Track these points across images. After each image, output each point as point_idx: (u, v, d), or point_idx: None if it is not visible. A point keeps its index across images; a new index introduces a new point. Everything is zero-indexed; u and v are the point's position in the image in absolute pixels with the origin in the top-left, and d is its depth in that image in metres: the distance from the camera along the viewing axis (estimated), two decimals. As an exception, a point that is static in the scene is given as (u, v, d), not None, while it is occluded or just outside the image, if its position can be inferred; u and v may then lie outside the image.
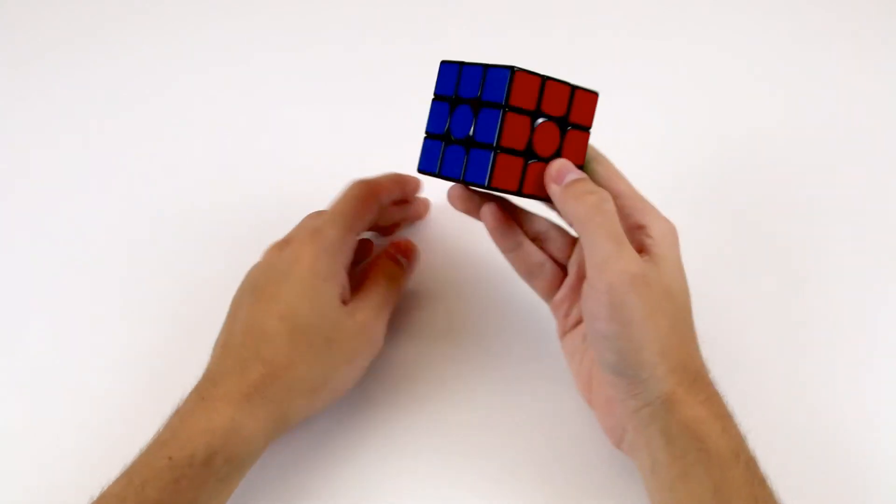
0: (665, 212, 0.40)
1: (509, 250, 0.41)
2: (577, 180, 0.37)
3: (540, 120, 0.38)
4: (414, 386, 0.45)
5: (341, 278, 0.40)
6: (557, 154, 0.39)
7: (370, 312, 0.41)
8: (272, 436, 0.38)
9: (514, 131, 0.37)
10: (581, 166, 0.40)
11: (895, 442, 0.43)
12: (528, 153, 0.38)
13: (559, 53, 0.65)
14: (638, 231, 0.38)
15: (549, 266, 0.42)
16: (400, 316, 0.47)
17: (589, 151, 0.40)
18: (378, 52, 0.66)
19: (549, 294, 0.42)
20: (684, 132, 0.59)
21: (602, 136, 0.42)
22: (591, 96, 0.40)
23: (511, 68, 0.37)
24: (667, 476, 0.35)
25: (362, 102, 0.62)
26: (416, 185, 0.48)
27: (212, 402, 0.36)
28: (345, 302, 0.40)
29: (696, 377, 0.36)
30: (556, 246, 0.42)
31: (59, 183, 0.57)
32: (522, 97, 0.37)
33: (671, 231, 0.38)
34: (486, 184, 0.37)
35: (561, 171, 0.37)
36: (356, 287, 0.42)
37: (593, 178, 0.39)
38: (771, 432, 0.39)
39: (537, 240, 0.42)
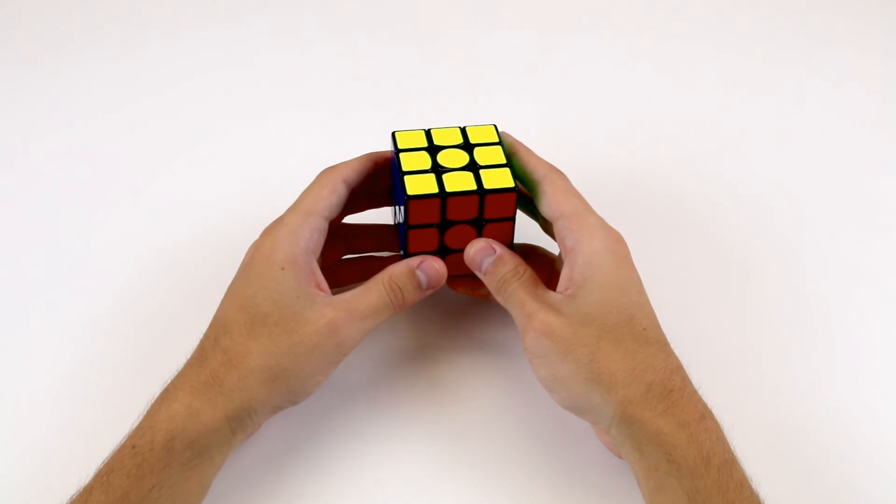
0: (619, 217, 0.41)
1: (487, 296, 0.43)
2: (488, 270, 0.41)
3: (450, 227, 0.41)
4: (409, 384, 0.45)
5: (304, 263, 0.39)
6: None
7: (345, 314, 0.38)
8: (238, 427, 0.37)
9: (420, 240, 0.41)
10: (510, 245, 0.42)
11: (871, 435, 0.43)
12: (444, 250, 0.42)
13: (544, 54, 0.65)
14: (569, 257, 0.39)
15: None
16: (397, 316, 0.47)
17: (540, 169, 0.42)
18: (374, 56, 0.67)
19: None
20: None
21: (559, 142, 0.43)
22: (507, 196, 0.40)
23: (406, 197, 0.39)
24: (646, 488, 0.36)
25: (360, 108, 0.62)
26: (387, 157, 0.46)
27: (173, 392, 0.37)
28: (320, 288, 0.39)
29: (648, 388, 0.36)
30: (535, 270, 0.43)
31: (39, 185, 0.57)
32: (423, 217, 0.40)
33: (602, 249, 0.39)
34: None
35: (474, 259, 0.41)
36: (356, 279, 0.41)
37: (541, 199, 0.41)
38: (751, 429, 0.39)
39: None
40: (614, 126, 0.61)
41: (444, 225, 0.41)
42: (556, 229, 0.41)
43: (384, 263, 0.42)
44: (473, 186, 0.40)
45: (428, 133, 0.43)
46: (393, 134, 0.43)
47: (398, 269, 0.40)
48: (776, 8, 0.73)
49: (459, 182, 0.40)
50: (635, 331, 0.38)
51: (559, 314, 0.38)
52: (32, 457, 0.42)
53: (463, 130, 0.43)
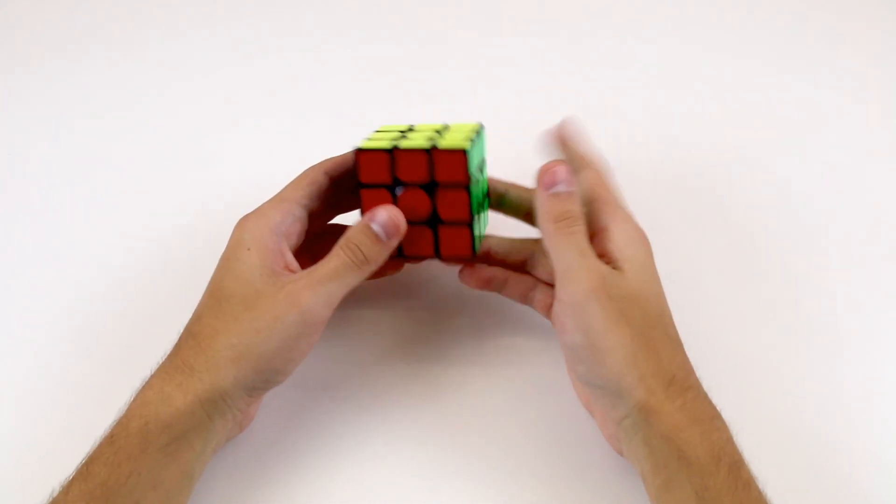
0: (644, 215, 0.41)
1: (498, 290, 0.45)
2: (554, 194, 0.38)
3: (400, 189, 0.40)
4: (408, 385, 0.45)
5: (273, 244, 0.39)
6: (434, 216, 0.40)
7: (304, 282, 0.38)
8: (214, 411, 0.37)
9: (373, 202, 0.40)
10: (472, 254, 0.41)
11: (880, 438, 0.42)
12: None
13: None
14: (602, 234, 0.39)
15: (540, 287, 0.44)
16: (398, 313, 0.47)
17: (582, 157, 0.42)
18: (374, 56, 0.67)
19: (546, 311, 0.44)
20: (669, 134, 0.60)
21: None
22: (457, 155, 0.39)
23: (356, 151, 0.39)
24: (653, 485, 0.36)
25: (360, 107, 0.62)
26: None
27: (148, 381, 0.37)
28: (290, 269, 0.39)
29: (670, 381, 0.36)
30: (545, 269, 0.44)
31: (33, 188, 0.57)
32: (372, 174, 0.40)
33: (637, 236, 0.39)
34: None
35: (556, 172, 0.38)
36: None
37: (580, 183, 0.41)
38: (759, 431, 0.38)
39: (524, 266, 0.45)
40: (614, 126, 0.60)
41: (396, 186, 0.40)
42: (588, 212, 0.40)
43: None
44: (425, 145, 0.39)
45: (411, 127, 0.43)
46: (376, 130, 0.43)
47: (353, 229, 0.40)
48: (775, 7, 0.73)
49: (413, 143, 0.40)
50: (664, 322, 0.38)
51: (619, 283, 0.36)
52: (31, 456, 0.42)
53: (446, 126, 0.43)
